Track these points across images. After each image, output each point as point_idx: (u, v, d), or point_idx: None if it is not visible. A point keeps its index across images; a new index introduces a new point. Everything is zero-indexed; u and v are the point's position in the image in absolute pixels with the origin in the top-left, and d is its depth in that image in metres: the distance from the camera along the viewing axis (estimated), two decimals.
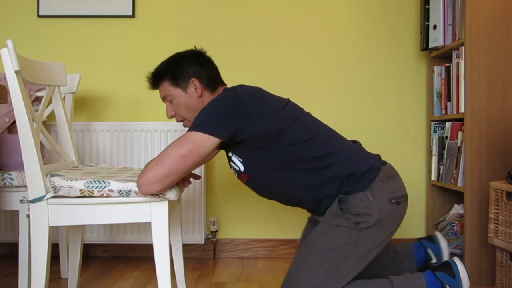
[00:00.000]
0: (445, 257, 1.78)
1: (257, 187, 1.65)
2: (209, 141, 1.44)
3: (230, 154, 1.61)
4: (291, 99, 1.65)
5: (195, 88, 1.64)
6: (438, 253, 1.79)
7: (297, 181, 1.55)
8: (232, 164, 1.62)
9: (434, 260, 1.78)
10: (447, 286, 1.54)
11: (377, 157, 1.64)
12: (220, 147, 1.54)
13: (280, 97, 1.63)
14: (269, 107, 1.53)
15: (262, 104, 1.52)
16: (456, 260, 1.60)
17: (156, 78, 1.69)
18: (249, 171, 1.59)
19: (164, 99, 1.69)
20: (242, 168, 1.59)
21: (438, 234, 1.84)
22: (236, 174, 1.64)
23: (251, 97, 1.53)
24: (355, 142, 1.72)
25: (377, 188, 1.52)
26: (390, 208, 1.51)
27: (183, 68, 1.64)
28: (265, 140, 1.51)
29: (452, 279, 1.55)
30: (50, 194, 1.44)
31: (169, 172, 1.40)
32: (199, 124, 1.47)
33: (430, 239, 1.84)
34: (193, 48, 1.74)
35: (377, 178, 1.53)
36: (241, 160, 1.58)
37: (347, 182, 1.53)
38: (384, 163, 1.62)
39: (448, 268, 1.59)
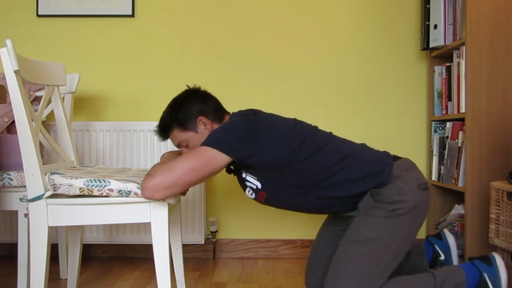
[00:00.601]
0: (454, 253, 1.82)
1: (277, 203, 1.67)
2: (221, 158, 1.46)
3: (244, 175, 1.62)
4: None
5: (204, 125, 1.65)
6: (446, 249, 1.82)
7: (318, 192, 1.57)
8: (248, 184, 1.63)
9: (442, 257, 1.81)
10: (485, 274, 1.58)
11: (387, 152, 1.67)
12: (229, 169, 1.61)
13: (287, 119, 1.65)
14: (280, 133, 1.55)
15: (274, 131, 1.55)
16: (495, 254, 1.64)
17: (164, 130, 1.69)
18: (267, 188, 1.60)
19: (179, 145, 1.70)
20: (259, 185, 1.60)
21: (445, 231, 1.86)
22: (253, 194, 1.64)
23: (264, 124, 1.56)
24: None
25: (404, 177, 1.55)
26: (420, 193, 1.55)
27: (186, 111, 1.65)
28: (277, 164, 1.54)
29: (489, 267, 1.59)
30: (50, 192, 1.43)
31: (177, 182, 1.41)
32: (213, 140, 1.49)
33: (438, 236, 1.87)
34: (187, 87, 1.74)
35: (400, 168, 1.57)
36: (256, 178, 1.60)
37: (371, 179, 1.55)
38: (400, 157, 1.66)
39: (486, 258, 1.63)
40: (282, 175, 1.56)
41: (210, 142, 1.48)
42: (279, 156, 1.52)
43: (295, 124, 1.62)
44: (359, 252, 1.50)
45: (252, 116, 1.57)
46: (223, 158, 1.46)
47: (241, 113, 1.63)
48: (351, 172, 1.56)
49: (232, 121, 1.58)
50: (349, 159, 1.57)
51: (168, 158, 1.68)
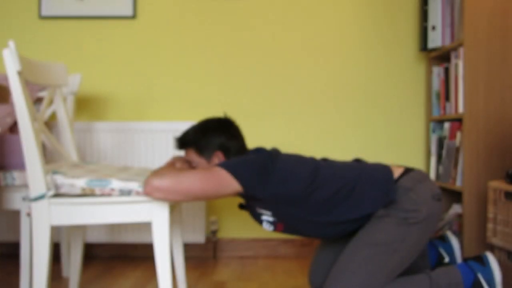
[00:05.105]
0: (458, 255, 1.83)
1: (297, 232, 1.69)
2: (232, 184, 1.48)
3: (258, 211, 1.65)
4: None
5: (218, 160, 1.66)
6: (450, 251, 1.84)
7: (330, 219, 1.58)
8: (264, 218, 1.65)
9: (447, 259, 1.83)
10: (479, 274, 1.59)
11: (386, 166, 1.67)
12: (241, 205, 1.66)
13: (306, 163, 1.64)
14: (291, 173, 1.56)
15: (287, 175, 1.55)
16: (488, 253, 1.66)
17: (182, 144, 1.71)
18: (282, 219, 1.62)
19: (187, 160, 1.72)
20: (275, 219, 1.63)
21: (449, 233, 1.88)
22: (271, 226, 1.66)
23: (279, 168, 1.56)
24: (358, 160, 1.75)
25: (417, 189, 1.56)
26: (434, 204, 1.56)
27: (210, 140, 1.66)
28: (285, 199, 1.55)
29: (483, 267, 1.61)
30: (52, 192, 1.45)
31: (181, 191, 1.43)
32: (229, 165, 1.50)
33: (442, 238, 1.89)
34: (223, 116, 1.75)
35: (413, 180, 1.58)
36: (270, 213, 1.62)
37: (378, 200, 1.55)
38: (413, 168, 1.66)
39: (479, 258, 1.65)
40: (292, 209, 1.57)
41: (226, 166, 1.50)
42: (286, 194, 1.53)
43: (313, 170, 1.59)
44: (366, 254, 1.51)
45: (267, 157, 1.58)
46: (233, 184, 1.48)
47: (258, 150, 1.65)
48: (357, 197, 1.56)
49: (249, 156, 1.59)
50: (352, 185, 1.57)
51: (178, 160, 1.70)
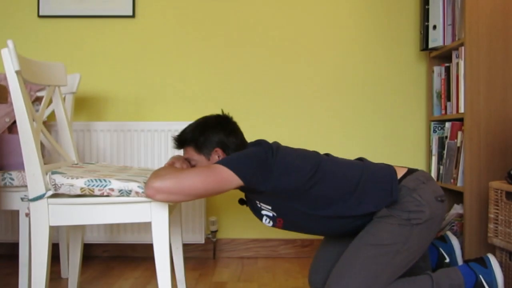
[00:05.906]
0: (458, 255, 1.83)
1: (296, 228, 1.68)
2: (233, 179, 1.47)
3: (258, 205, 1.65)
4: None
5: (218, 157, 1.65)
6: (451, 251, 1.84)
7: (330, 214, 1.58)
8: (264, 212, 1.65)
9: (447, 260, 1.82)
10: (480, 276, 1.59)
11: (390, 166, 1.67)
12: (242, 200, 1.67)
13: (308, 156, 1.64)
14: (294, 168, 1.55)
15: (287, 167, 1.55)
16: (489, 255, 1.66)
17: (181, 143, 1.71)
18: (282, 214, 1.62)
19: (186, 159, 1.71)
20: (275, 213, 1.62)
21: (449, 233, 1.88)
22: (271, 222, 1.66)
23: (279, 160, 1.56)
24: (361, 159, 1.74)
25: (421, 189, 1.55)
26: (437, 205, 1.56)
27: (208, 137, 1.66)
28: (285, 193, 1.55)
29: (485, 269, 1.61)
30: (51, 192, 1.44)
31: (183, 191, 1.43)
32: (229, 161, 1.50)
33: (442, 238, 1.89)
34: (220, 113, 1.75)
35: (416, 181, 1.57)
36: (270, 207, 1.62)
37: (381, 199, 1.55)
38: (416, 169, 1.66)
39: (481, 260, 1.65)
40: (292, 202, 1.57)
41: (226, 162, 1.49)
42: (287, 188, 1.53)
43: (314, 163, 1.59)
44: (369, 254, 1.51)
45: (268, 150, 1.57)
46: (235, 180, 1.47)
47: (259, 143, 1.64)
48: (359, 194, 1.56)
49: (249, 150, 1.58)
50: (354, 182, 1.57)
51: (178, 160, 1.69)
